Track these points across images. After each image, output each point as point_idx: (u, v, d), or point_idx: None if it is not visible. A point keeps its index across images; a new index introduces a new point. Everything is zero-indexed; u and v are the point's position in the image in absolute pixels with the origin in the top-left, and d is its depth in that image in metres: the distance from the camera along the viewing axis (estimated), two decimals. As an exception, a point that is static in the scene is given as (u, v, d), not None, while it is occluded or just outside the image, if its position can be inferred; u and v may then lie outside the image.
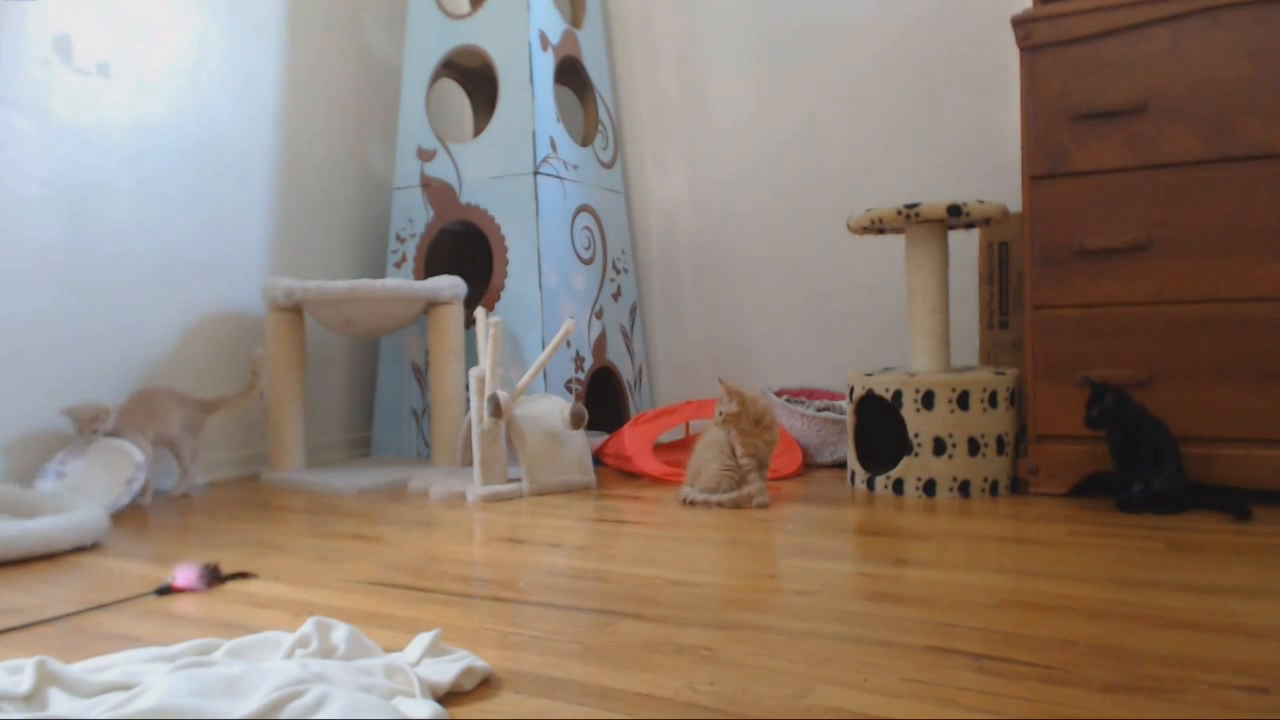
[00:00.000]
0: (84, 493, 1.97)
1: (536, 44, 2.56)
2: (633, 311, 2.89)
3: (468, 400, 2.48)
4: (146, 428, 2.12)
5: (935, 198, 2.53)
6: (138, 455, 2.04)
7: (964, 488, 1.91)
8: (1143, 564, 1.35)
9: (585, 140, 2.85)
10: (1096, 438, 1.82)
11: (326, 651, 0.99)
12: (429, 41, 2.71)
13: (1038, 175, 1.89)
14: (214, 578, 1.38)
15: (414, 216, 2.70)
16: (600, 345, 2.69)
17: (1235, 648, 1.00)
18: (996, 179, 2.45)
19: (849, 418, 2.06)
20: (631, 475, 2.30)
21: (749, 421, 1.88)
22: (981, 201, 1.94)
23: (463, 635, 1.11)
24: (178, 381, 2.31)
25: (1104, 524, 1.62)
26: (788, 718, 0.85)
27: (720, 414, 1.88)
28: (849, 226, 2.08)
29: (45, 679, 0.89)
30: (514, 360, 2.48)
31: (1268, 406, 1.73)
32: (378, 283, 2.34)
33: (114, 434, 2.06)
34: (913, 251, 2.02)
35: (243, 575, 1.42)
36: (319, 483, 2.22)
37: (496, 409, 2.03)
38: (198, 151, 2.39)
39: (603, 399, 2.78)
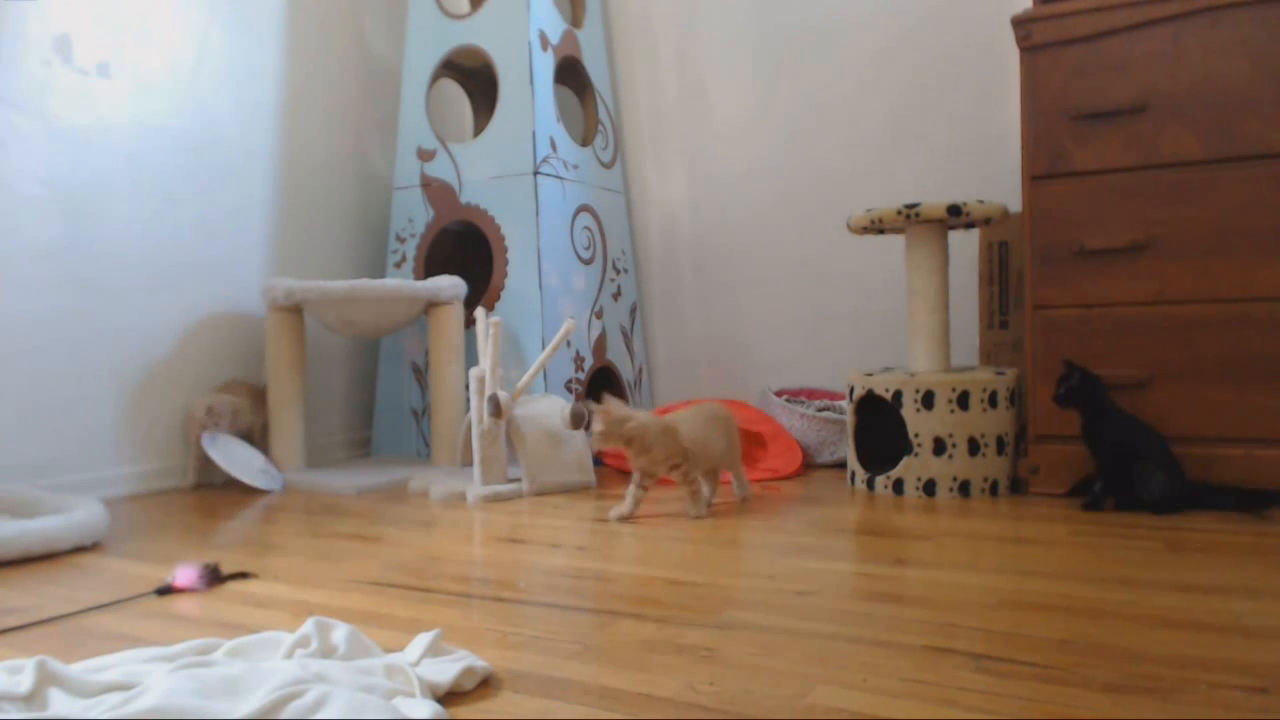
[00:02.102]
0: (236, 467, 2.19)
1: (536, 44, 2.56)
2: (633, 311, 2.89)
3: (468, 400, 2.48)
4: (239, 425, 2.31)
5: (935, 198, 2.53)
6: (258, 450, 2.30)
7: (964, 488, 1.91)
8: (1143, 564, 1.35)
9: (585, 140, 2.85)
10: (1096, 438, 1.82)
11: (326, 651, 0.99)
12: (429, 41, 2.71)
13: (1038, 175, 1.89)
14: (214, 578, 1.38)
15: (414, 216, 2.70)
16: (600, 345, 2.69)
17: (1235, 648, 1.00)
18: (996, 179, 2.44)
19: (849, 418, 2.06)
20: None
21: (620, 441, 1.77)
22: (981, 201, 1.94)
23: (463, 635, 1.11)
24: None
25: (1104, 524, 1.62)
26: (788, 718, 0.85)
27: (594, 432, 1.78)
28: (849, 226, 2.08)
29: (45, 679, 0.89)
30: (514, 360, 2.48)
31: (1268, 406, 1.73)
32: (378, 283, 2.34)
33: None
34: (913, 251, 2.02)
35: (243, 575, 1.43)
36: (319, 483, 2.22)
37: (496, 409, 2.03)
38: (197, 151, 2.39)
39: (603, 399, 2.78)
